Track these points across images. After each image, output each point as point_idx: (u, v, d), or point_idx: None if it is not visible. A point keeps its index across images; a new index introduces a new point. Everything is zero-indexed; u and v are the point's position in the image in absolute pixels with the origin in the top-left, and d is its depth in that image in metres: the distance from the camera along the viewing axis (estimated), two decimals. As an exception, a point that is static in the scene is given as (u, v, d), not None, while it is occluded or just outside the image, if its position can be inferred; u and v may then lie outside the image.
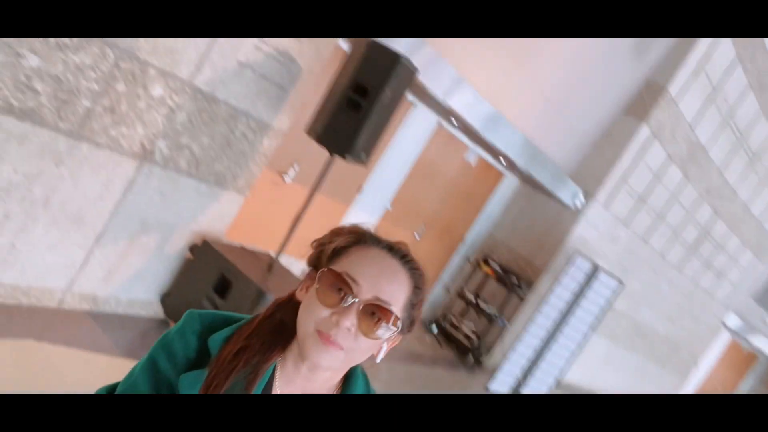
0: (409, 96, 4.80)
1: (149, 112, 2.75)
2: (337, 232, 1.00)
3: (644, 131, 6.70)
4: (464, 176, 6.07)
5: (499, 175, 6.54)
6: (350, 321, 0.90)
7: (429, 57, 4.04)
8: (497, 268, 6.49)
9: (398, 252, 0.98)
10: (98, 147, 2.69)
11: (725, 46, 6.92)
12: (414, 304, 0.97)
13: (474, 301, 6.48)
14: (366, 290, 0.92)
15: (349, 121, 2.92)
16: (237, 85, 2.97)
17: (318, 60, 3.18)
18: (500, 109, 5.01)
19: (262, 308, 1.04)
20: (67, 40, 2.37)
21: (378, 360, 0.97)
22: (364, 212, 5.16)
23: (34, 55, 2.34)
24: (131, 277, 3.15)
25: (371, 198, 5.14)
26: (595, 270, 6.15)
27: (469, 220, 6.58)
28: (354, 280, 0.92)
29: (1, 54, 2.25)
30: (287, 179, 4.25)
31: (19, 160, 2.52)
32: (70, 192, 2.71)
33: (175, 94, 2.80)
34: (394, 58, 2.87)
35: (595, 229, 6.87)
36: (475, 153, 5.95)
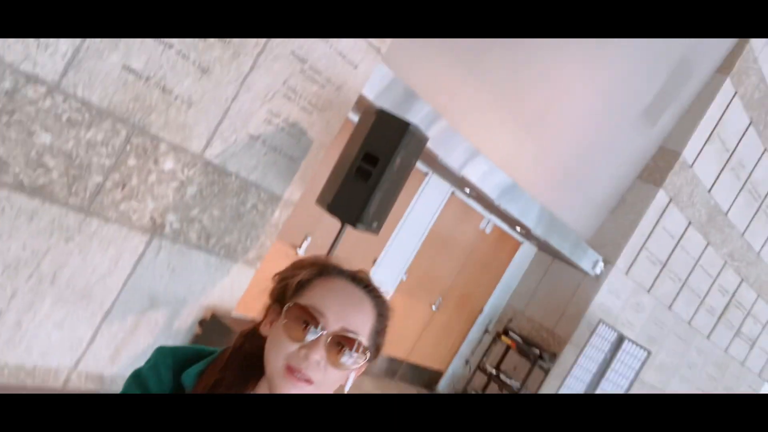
0: (423, 166, 4.81)
1: (160, 186, 2.75)
2: (299, 265, 1.00)
3: (661, 197, 6.63)
4: (480, 245, 6.00)
5: (516, 244, 6.45)
6: (319, 354, 0.91)
7: (443, 129, 4.07)
8: (518, 339, 6.29)
9: (361, 281, 0.99)
10: (108, 222, 2.68)
11: (737, 111, 6.93)
12: (378, 331, 0.99)
13: (495, 374, 6.25)
14: (333, 322, 0.93)
15: (360, 191, 2.90)
16: (247, 157, 2.98)
17: (328, 131, 3.20)
18: (514, 178, 5.00)
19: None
20: (78, 116, 2.40)
21: (346, 390, 0.97)
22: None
23: (46, 132, 2.36)
24: (139, 355, 3.06)
25: (386, 270, 5.07)
26: (620, 339, 5.93)
27: (487, 290, 6.45)
28: (320, 313, 0.93)
29: (13, 131, 2.28)
30: (300, 252, 4.21)
31: (29, 237, 2.50)
32: (79, 268, 2.68)
33: (186, 168, 2.80)
34: (404, 126, 2.88)
35: (618, 297, 6.69)
36: (490, 222, 5.89)
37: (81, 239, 2.64)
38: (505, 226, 6.03)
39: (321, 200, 3.09)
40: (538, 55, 4.66)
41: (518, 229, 5.89)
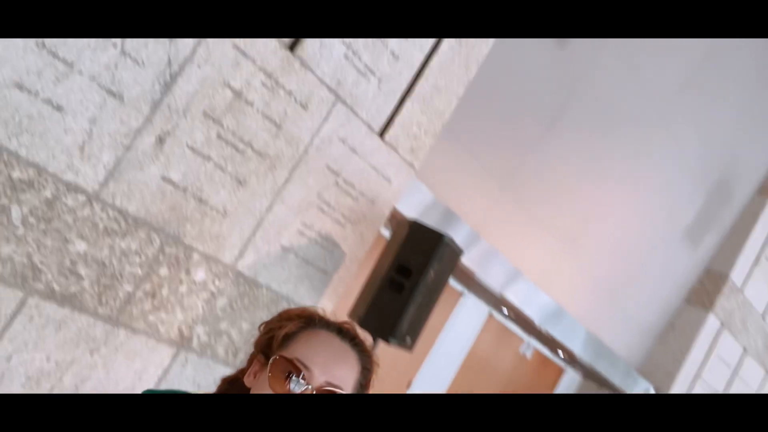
0: (458, 285, 4.71)
1: (190, 297, 2.72)
2: (286, 316, 1.00)
3: (712, 322, 6.31)
4: (521, 371, 5.70)
5: (558, 370, 6.12)
6: None
7: (484, 249, 4.04)
8: (567, 477, 5.78)
9: (347, 334, 1.01)
10: (135, 333, 2.62)
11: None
12: (363, 384, 1.00)
13: None
14: (318, 376, 0.93)
15: (393, 303, 2.81)
16: (279, 269, 2.95)
17: (361, 244, 3.17)
18: (554, 299, 4.84)
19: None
20: (115, 226, 2.43)
21: None
22: (415, 411, 4.80)
23: (82, 240, 2.39)
24: (157, 480, 2.87)
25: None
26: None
27: (530, 420, 6.04)
28: (306, 367, 0.92)
29: (49, 239, 2.31)
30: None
31: (54, 348, 2.45)
32: (102, 382, 2.60)
33: (217, 279, 2.78)
34: (437, 237, 2.84)
35: (674, 432, 6.18)
36: (531, 345, 5.64)
37: (106, 351, 2.57)
38: (546, 351, 5.76)
39: (353, 314, 3.00)
40: (572, 174, 4.67)
41: (561, 354, 5.61)
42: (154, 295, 2.62)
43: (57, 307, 2.41)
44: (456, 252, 2.96)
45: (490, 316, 5.13)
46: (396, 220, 3.36)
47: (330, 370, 0.94)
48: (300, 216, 2.94)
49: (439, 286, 2.93)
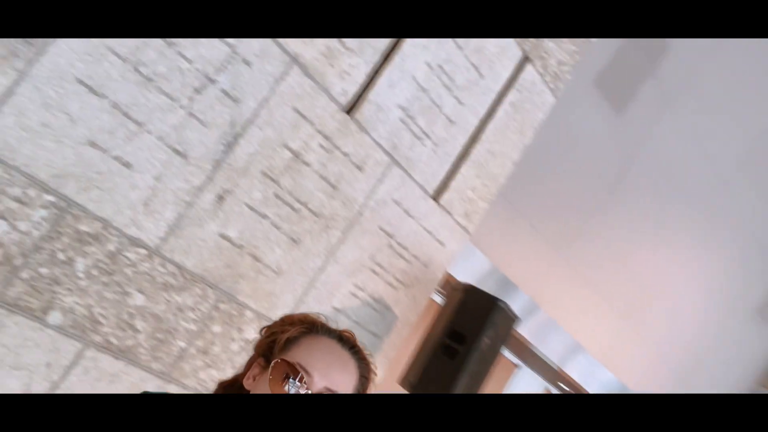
0: (513, 357, 4.55)
1: (240, 355, 2.71)
2: (288, 321, 1.03)
3: (790, 407, 5.84)
4: (581, 453, 5.37)
5: (622, 455, 5.74)
6: None
7: (541, 320, 3.92)
8: None
9: (347, 342, 1.04)
10: (185, 390, 2.62)
11: None
12: (360, 391, 1.03)
13: None
14: (318, 381, 0.95)
15: (446, 369, 2.73)
16: (331, 331, 2.92)
17: (414, 308, 3.12)
18: (618, 376, 4.61)
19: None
20: (172, 281, 2.48)
21: None
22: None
23: (141, 293, 2.44)
24: None
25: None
26: None
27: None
28: (306, 371, 0.95)
29: (110, 292, 2.36)
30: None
31: (107, 401, 2.47)
32: (150, 438, 2.58)
33: (269, 338, 2.77)
34: (492, 302, 2.77)
35: None
36: (590, 426, 5.34)
37: (157, 407, 2.57)
38: None
39: (404, 381, 2.93)
40: (633, 243, 4.53)
41: (624, 436, 5.27)
42: (206, 352, 2.63)
43: (113, 360, 2.44)
44: (511, 318, 2.87)
45: (547, 391, 4.91)
46: (450, 285, 3.31)
47: (330, 376, 0.98)
48: (352, 277, 2.94)
49: (494, 352, 2.83)
